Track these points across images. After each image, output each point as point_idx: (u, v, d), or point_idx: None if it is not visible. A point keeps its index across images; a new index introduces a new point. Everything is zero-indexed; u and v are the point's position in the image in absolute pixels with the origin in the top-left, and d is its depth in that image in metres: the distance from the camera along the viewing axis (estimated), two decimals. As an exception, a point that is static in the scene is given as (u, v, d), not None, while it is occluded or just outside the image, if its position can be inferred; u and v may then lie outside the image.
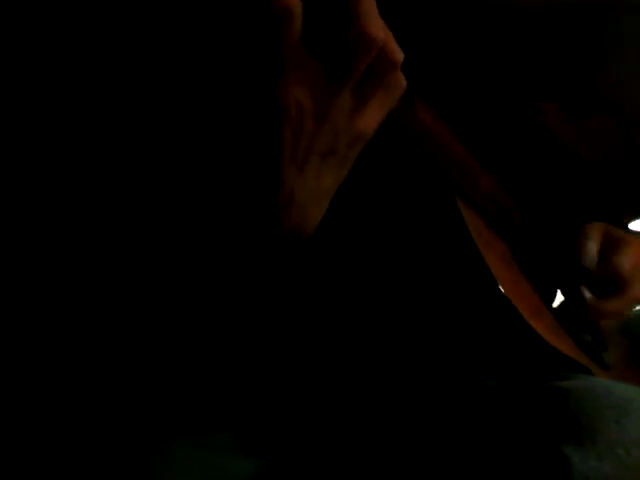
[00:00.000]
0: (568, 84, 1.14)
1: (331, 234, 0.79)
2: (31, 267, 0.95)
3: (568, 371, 0.87)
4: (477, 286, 0.85)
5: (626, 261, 0.96)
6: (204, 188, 0.74)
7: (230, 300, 0.85)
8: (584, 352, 0.95)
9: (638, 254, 0.97)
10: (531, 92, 1.11)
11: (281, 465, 0.87)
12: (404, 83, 0.67)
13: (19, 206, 0.92)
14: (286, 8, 0.61)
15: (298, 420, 0.89)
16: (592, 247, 0.97)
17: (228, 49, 0.66)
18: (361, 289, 0.88)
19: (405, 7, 1.02)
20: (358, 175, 0.73)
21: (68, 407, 0.94)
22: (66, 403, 0.94)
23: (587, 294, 0.98)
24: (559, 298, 1.02)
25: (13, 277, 0.96)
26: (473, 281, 0.86)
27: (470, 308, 0.87)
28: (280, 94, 0.63)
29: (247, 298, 0.82)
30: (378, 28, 0.64)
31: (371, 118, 0.67)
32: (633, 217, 1.16)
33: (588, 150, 1.12)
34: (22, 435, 0.92)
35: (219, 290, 0.85)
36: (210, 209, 0.73)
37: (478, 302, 0.86)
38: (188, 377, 0.90)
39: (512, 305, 0.85)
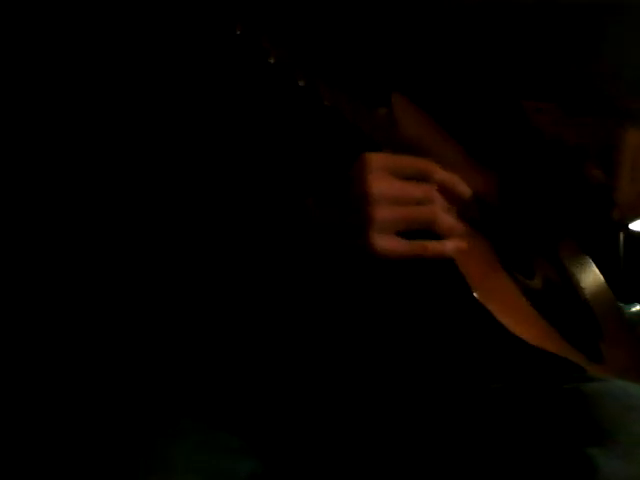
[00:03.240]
0: (567, 83, 1.14)
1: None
2: (31, 267, 0.96)
3: (556, 366, 0.87)
4: (452, 291, 0.85)
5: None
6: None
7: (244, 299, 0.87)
8: (573, 344, 0.94)
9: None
10: (529, 90, 1.11)
11: (281, 465, 0.87)
12: None
13: (19, 206, 0.93)
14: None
15: (298, 420, 0.89)
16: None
17: None
18: (360, 292, 0.88)
19: (402, 6, 1.02)
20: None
21: (68, 407, 0.94)
22: (66, 403, 0.95)
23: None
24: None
25: (13, 277, 0.97)
26: (448, 286, 0.86)
27: (452, 313, 0.87)
28: None
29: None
30: None
31: None
32: (633, 217, 1.16)
33: (586, 148, 1.12)
34: (21, 434, 0.93)
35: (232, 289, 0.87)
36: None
37: (455, 308, 0.86)
38: (189, 378, 0.90)
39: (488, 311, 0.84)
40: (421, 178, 0.79)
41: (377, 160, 0.78)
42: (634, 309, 1.25)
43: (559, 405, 0.80)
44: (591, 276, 1.15)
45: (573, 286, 1.08)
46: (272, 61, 0.77)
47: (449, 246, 0.79)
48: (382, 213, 0.75)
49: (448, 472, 0.84)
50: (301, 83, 0.79)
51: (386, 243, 0.76)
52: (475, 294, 0.82)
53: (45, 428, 0.94)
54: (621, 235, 1.73)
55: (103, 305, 0.95)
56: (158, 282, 0.90)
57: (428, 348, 0.89)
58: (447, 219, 0.79)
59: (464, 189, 0.82)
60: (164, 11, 0.79)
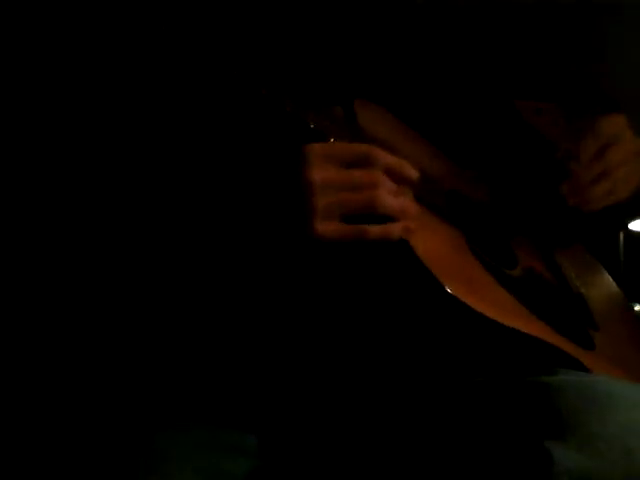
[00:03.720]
0: (567, 83, 1.14)
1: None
2: (31, 268, 0.96)
3: (543, 357, 0.87)
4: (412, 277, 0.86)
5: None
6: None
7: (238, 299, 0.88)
8: (562, 333, 0.94)
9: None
10: (530, 91, 1.11)
11: (281, 465, 0.87)
12: None
13: (18, 208, 0.93)
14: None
15: (298, 420, 0.89)
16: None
17: None
18: (349, 296, 0.89)
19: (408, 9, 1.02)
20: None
21: (68, 407, 0.94)
22: (66, 403, 0.95)
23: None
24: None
25: (13, 279, 0.97)
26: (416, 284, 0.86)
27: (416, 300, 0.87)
28: None
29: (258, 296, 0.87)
30: None
31: None
32: (633, 217, 1.16)
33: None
34: (21, 434, 0.93)
35: (228, 289, 0.87)
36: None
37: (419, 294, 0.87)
38: (189, 377, 0.91)
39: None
40: (364, 163, 0.80)
41: (317, 149, 0.80)
42: (634, 309, 1.26)
43: (520, 397, 0.79)
44: (593, 273, 1.15)
45: (564, 278, 1.08)
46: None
47: (394, 228, 0.81)
48: (323, 200, 0.78)
49: (417, 463, 0.84)
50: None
51: (328, 228, 0.78)
52: (446, 286, 0.83)
53: (45, 428, 0.94)
54: (621, 235, 1.73)
55: (103, 305, 0.96)
56: (156, 282, 0.90)
57: (409, 344, 0.90)
58: (390, 201, 0.80)
59: (411, 172, 0.83)
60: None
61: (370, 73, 0.98)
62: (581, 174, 0.97)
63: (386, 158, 0.81)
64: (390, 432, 0.87)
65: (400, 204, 0.81)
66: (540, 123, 1.04)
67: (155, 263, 0.87)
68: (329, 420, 0.88)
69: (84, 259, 0.91)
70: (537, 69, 1.14)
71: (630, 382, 0.87)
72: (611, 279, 1.18)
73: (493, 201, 1.07)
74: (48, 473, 0.85)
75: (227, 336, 0.90)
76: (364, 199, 0.79)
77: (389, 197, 0.80)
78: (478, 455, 0.77)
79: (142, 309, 0.92)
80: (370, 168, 0.80)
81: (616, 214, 1.09)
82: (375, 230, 0.80)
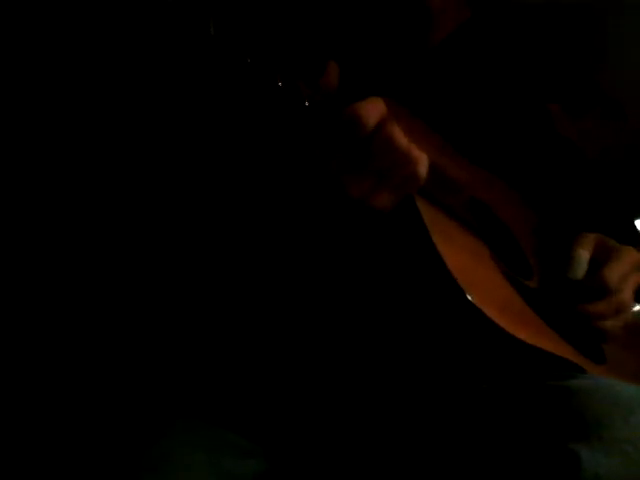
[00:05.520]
0: (569, 84, 1.14)
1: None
2: (31, 267, 0.96)
3: (557, 368, 0.87)
4: (446, 296, 0.86)
5: (615, 273, 0.96)
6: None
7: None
8: (575, 347, 0.94)
9: (626, 265, 0.97)
10: (532, 91, 1.11)
11: (285, 465, 0.87)
12: None
13: (20, 206, 0.93)
14: None
15: (299, 421, 0.89)
16: (583, 258, 0.97)
17: None
18: (357, 297, 0.89)
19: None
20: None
21: (69, 407, 0.94)
22: (67, 403, 0.95)
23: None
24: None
25: (14, 277, 0.96)
26: (441, 290, 0.86)
27: (447, 315, 0.87)
28: None
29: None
30: None
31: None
32: (633, 216, 1.16)
33: (587, 149, 1.12)
34: (21, 435, 0.92)
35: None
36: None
37: (450, 309, 0.86)
38: (191, 377, 0.90)
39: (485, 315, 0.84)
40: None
41: None
42: (634, 309, 1.25)
43: (544, 401, 0.79)
44: None
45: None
46: (248, 61, 0.78)
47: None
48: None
49: (437, 468, 0.84)
50: (280, 83, 0.80)
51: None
52: (469, 296, 0.83)
53: (45, 428, 0.94)
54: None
55: (104, 305, 0.95)
56: (158, 282, 0.90)
57: (424, 350, 0.90)
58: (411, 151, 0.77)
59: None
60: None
61: (396, 75, 0.97)
62: (600, 307, 0.97)
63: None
64: (409, 438, 0.87)
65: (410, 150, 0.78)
66: None
67: None
68: (339, 425, 0.88)
69: (86, 252, 0.91)
70: (538, 69, 1.14)
71: None
72: None
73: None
74: (51, 473, 0.85)
75: (237, 333, 0.90)
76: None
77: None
78: (504, 461, 0.77)
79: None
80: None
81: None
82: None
